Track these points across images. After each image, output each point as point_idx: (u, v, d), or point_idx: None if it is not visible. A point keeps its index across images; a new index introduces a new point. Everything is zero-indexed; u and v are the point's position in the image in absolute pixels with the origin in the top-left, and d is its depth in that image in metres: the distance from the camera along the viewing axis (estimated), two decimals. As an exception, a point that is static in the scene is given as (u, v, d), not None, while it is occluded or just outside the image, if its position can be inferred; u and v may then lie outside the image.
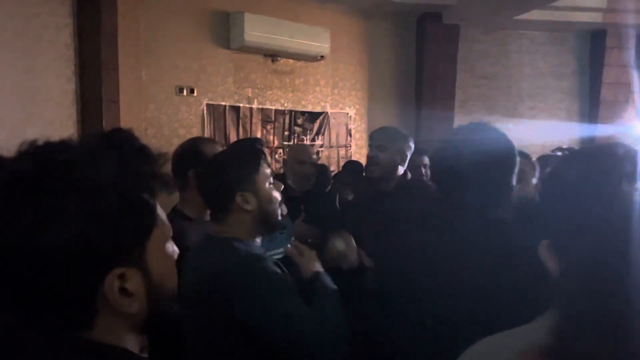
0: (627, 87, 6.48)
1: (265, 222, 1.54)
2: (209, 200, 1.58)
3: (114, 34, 3.78)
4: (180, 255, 1.57)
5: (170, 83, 4.48)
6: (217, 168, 1.54)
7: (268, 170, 1.56)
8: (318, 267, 1.63)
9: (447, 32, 6.07)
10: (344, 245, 1.87)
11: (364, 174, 2.76)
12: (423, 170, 3.10)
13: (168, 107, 4.47)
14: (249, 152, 1.58)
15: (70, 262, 0.66)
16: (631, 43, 6.34)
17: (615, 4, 5.79)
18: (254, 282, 1.37)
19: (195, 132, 4.64)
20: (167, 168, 0.81)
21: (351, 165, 4.65)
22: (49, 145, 0.69)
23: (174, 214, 2.05)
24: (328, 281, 1.58)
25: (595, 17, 6.08)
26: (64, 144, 0.70)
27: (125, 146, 0.74)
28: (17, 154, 0.68)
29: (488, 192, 1.34)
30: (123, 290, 0.71)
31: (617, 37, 6.36)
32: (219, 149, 2.16)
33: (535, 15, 5.86)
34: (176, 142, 4.46)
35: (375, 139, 2.67)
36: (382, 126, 2.83)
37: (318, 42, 5.20)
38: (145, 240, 0.74)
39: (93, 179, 0.67)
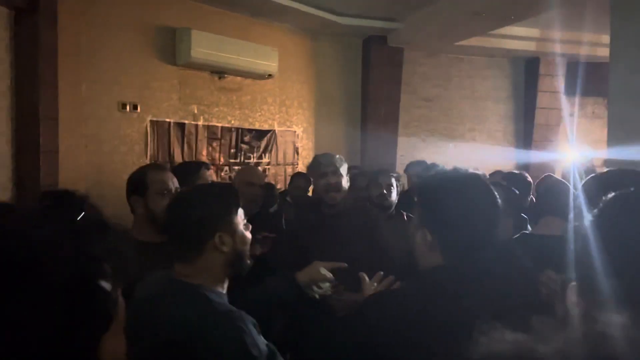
0: (558, 112, 6.89)
1: (237, 264, 1.46)
2: (179, 238, 1.44)
3: (53, 48, 3.64)
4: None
5: (112, 99, 4.35)
6: (195, 205, 1.44)
7: (242, 211, 1.49)
8: None
9: (391, 54, 6.25)
10: (326, 272, 1.83)
11: (320, 197, 2.75)
12: (385, 192, 3.13)
13: (109, 123, 4.33)
14: (228, 190, 1.53)
15: None
16: (562, 71, 6.74)
17: (547, 34, 6.15)
18: (230, 345, 1.27)
19: (137, 150, 4.52)
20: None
21: (298, 180, 4.66)
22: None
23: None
24: None
25: (529, 46, 6.44)
26: (9, 231, 0.61)
27: (79, 223, 0.67)
28: None
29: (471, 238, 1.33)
30: None
31: (549, 65, 6.77)
32: (164, 176, 2.12)
33: (474, 41, 6.14)
34: (117, 160, 4.39)
35: (328, 164, 2.68)
36: (324, 153, 2.86)
37: (266, 60, 5.21)
38: (104, 333, 0.68)
39: (48, 280, 0.60)
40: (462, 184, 1.37)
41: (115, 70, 4.35)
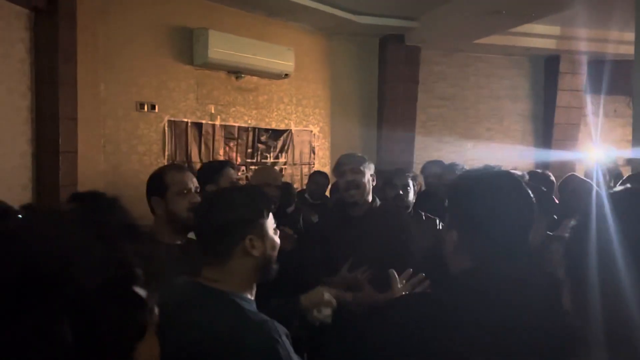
0: (579, 110, 6.77)
1: (265, 271, 1.42)
2: (209, 241, 1.40)
3: (72, 49, 3.66)
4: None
5: (130, 99, 4.37)
6: (227, 206, 1.40)
7: (272, 215, 1.46)
8: None
9: (408, 53, 6.19)
10: (330, 297, 1.80)
11: (341, 197, 2.71)
12: (402, 193, 3.09)
13: (127, 123, 4.36)
14: (260, 193, 1.50)
15: None
16: (583, 69, 6.63)
17: (568, 32, 6.05)
18: (263, 356, 1.24)
19: (155, 149, 4.54)
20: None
21: (317, 176, 4.64)
22: (27, 241, 0.57)
23: None
24: None
25: (549, 44, 6.34)
26: (40, 235, 0.58)
27: (111, 227, 0.64)
28: None
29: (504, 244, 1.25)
30: None
31: (570, 63, 6.65)
32: (184, 176, 2.10)
33: (492, 39, 6.06)
34: (135, 160, 4.41)
35: (347, 163, 2.63)
36: (347, 153, 2.83)
37: (282, 60, 5.21)
38: (140, 341, 0.66)
39: (82, 288, 0.57)
40: (494, 183, 1.29)
41: (133, 71, 4.38)
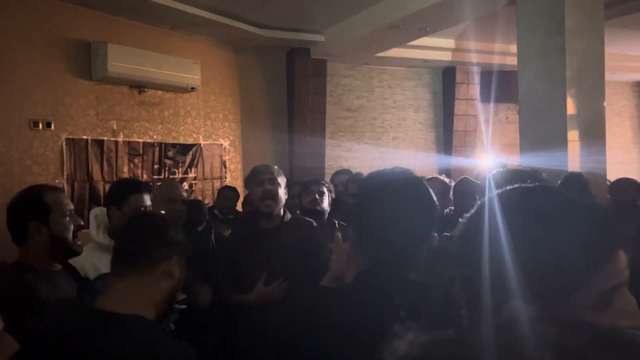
0: (474, 118, 7.24)
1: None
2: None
3: (-47, 64, 3.39)
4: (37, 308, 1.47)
5: (22, 116, 4.11)
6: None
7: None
8: None
9: (315, 66, 6.33)
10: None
11: (256, 208, 2.69)
12: (318, 197, 3.14)
13: (20, 142, 4.08)
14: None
15: None
16: (476, 79, 7.11)
17: (461, 45, 6.47)
18: None
19: (52, 169, 4.29)
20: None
21: (225, 191, 4.57)
22: None
23: (19, 268, 1.83)
24: None
25: (445, 56, 6.74)
26: None
27: None
28: None
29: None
30: None
31: (465, 74, 7.11)
32: (64, 196, 1.98)
33: (394, 52, 6.34)
34: (30, 181, 4.13)
35: (265, 172, 2.61)
36: (263, 163, 2.82)
37: (187, 73, 5.13)
38: None
39: None
40: (396, 187, 1.28)
41: (26, 87, 4.12)
